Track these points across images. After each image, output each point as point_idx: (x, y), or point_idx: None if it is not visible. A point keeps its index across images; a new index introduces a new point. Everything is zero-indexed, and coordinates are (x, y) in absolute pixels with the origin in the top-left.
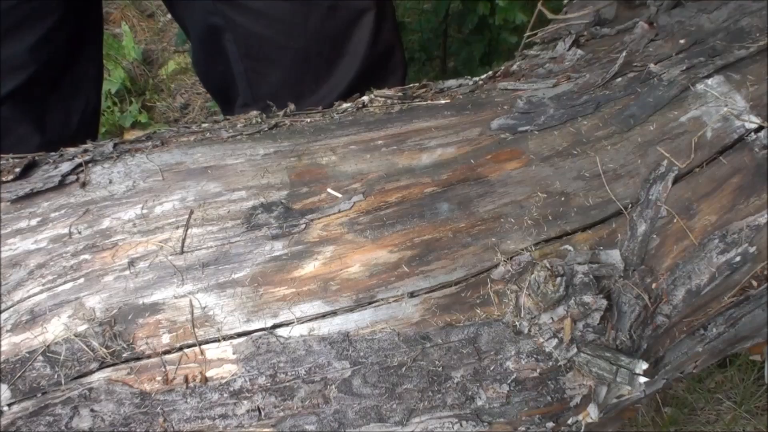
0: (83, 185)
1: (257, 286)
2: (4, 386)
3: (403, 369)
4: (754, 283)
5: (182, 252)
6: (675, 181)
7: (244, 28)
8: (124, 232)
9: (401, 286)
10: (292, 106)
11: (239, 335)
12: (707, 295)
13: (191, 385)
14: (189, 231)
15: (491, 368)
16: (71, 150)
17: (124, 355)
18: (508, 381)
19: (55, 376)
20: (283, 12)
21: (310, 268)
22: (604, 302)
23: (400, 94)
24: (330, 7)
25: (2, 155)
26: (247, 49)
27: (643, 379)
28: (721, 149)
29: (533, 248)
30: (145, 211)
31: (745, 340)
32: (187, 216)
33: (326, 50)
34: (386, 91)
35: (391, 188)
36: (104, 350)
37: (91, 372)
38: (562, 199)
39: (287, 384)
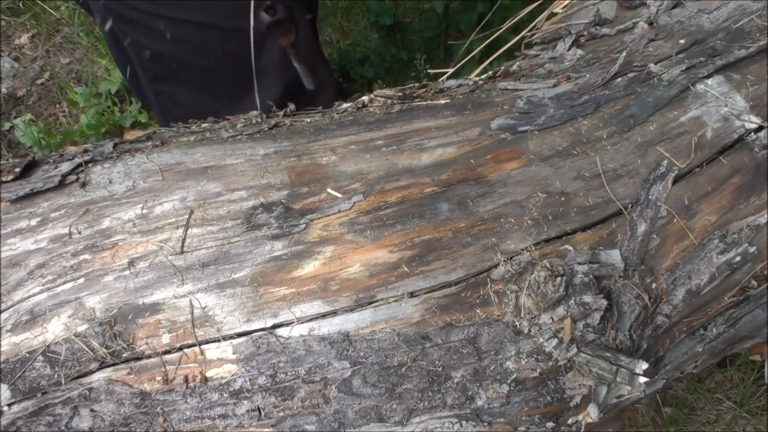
0: (83, 185)
1: (257, 286)
2: (4, 386)
3: (403, 369)
4: (754, 283)
5: (182, 252)
6: (675, 181)
7: (145, 47)
8: (124, 232)
9: (401, 286)
10: (292, 106)
11: (239, 335)
12: (707, 295)
13: (191, 385)
14: (189, 231)
15: (491, 368)
16: (71, 150)
17: (124, 355)
18: (508, 381)
19: (55, 376)
20: (184, 32)
21: (310, 268)
22: (604, 302)
23: (400, 94)
24: (230, 30)
25: (2, 155)
26: (154, 72)
27: (643, 379)
28: (721, 149)
29: (533, 248)
30: (145, 211)
31: (745, 340)
32: (187, 216)
33: (232, 70)
34: (386, 91)
35: (391, 188)
36: (104, 350)
37: (91, 372)
38: (562, 199)
39: (287, 384)
